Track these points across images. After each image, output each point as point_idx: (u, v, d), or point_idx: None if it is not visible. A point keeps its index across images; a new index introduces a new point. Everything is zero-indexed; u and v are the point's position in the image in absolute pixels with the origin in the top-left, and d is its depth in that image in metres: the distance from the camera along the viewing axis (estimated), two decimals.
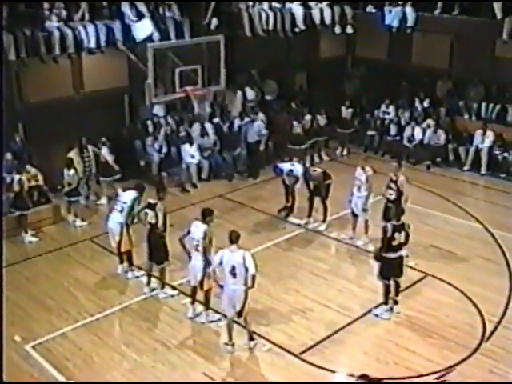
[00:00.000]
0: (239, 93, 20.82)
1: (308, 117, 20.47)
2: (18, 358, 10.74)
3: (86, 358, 11.12)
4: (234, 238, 10.70)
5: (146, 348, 11.35)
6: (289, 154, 19.21)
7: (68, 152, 16.60)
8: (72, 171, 15.92)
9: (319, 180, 15.67)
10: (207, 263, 11.43)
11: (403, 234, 11.82)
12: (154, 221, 12.42)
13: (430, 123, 20.45)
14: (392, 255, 11.82)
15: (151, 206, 12.51)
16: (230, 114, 20.33)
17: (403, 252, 12.03)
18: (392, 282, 12.08)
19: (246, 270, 10.58)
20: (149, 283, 13.03)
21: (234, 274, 10.62)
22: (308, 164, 18.76)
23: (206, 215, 11.55)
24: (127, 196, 13.42)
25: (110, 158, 17.23)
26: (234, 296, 10.78)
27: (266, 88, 21.87)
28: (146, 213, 12.61)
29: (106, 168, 17.32)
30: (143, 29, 17.41)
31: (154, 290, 12.90)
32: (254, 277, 10.65)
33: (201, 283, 11.72)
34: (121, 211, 13.25)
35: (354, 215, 15.03)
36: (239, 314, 10.93)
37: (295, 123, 19.92)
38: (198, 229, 11.53)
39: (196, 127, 19.34)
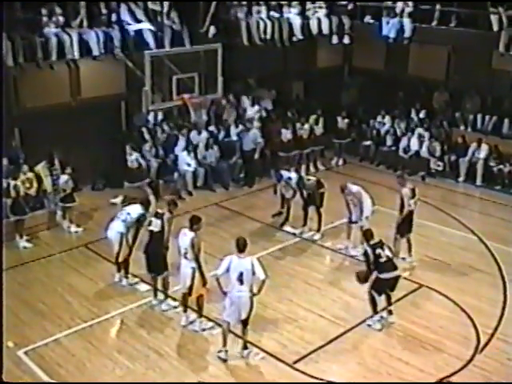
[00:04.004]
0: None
1: (307, 126, 20.55)
2: (10, 363, 10.66)
3: (79, 364, 11.09)
4: (241, 245, 10.70)
5: (139, 355, 11.32)
6: (279, 162, 19.25)
7: (36, 165, 16.23)
8: (66, 177, 15.91)
9: (313, 189, 15.70)
10: (197, 270, 11.47)
11: (386, 248, 11.87)
12: (157, 229, 12.31)
13: (421, 133, 20.50)
14: (388, 275, 11.80)
15: (158, 215, 12.44)
16: (226, 123, 20.33)
17: (399, 272, 12.08)
18: (383, 295, 12.11)
19: (253, 276, 10.60)
20: (156, 295, 12.92)
21: (241, 281, 10.61)
22: (303, 173, 18.71)
23: (194, 223, 11.55)
24: (133, 209, 13.33)
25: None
26: (239, 303, 10.76)
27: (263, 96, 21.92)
28: (150, 221, 12.55)
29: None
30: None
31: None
32: (263, 282, 10.64)
33: (189, 290, 11.71)
34: (124, 221, 13.18)
35: (352, 222, 15.03)
36: (245, 321, 10.95)
37: (284, 130, 20.02)
38: (185, 237, 11.52)
39: (199, 138, 19.40)
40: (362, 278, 12.10)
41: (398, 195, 14.38)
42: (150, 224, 12.50)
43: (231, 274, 10.67)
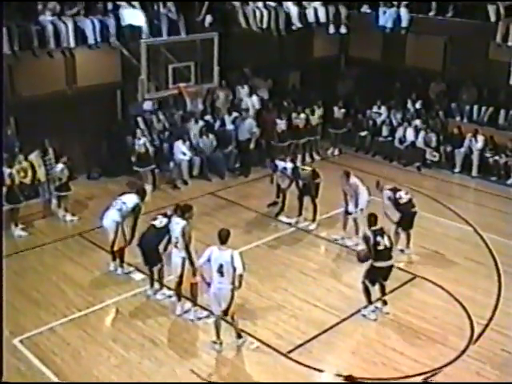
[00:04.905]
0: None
1: (303, 115, 20.50)
2: (5, 352, 10.63)
3: (74, 352, 11.12)
4: (223, 237, 10.65)
5: (134, 344, 11.34)
6: (275, 151, 19.23)
7: (29, 154, 16.20)
8: (61, 166, 15.87)
9: (308, 179, 15.68)
10: (187, 259, 11.49)
11: (386, 237, 11.86)
12: (160, 226, 12.19)
13: (417, 124, 20.51)
14: (382, 264, 11.82)
15: (166, 215, 12.35)
16: (221, 112, 20.28)
17: (393, 261, 12.09)
18: (377, 285, 12.13)
19: (234, 269, 10.53)
20: (152, 285, 12.88)
21: (221, 273, 10.57)
22: (299, 163, 18.67)
23: (185, 211, 11.52)
24: (128, 198, 13.31)
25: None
26: (219, 294, 10.74)
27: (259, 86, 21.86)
28: (155, 217, 12.50)
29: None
30: (133, 17, 17.32)
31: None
32: (241, 276, 10.60)
33: (180, 278, 11.75)
34: (119, 210, 13.15)
35: (348, 213, 15.01)
36: (225, 312, 10.90)
37: (279, 120, 19.99)
38: (177, 225, 11.53)
39: (195, 126, 19.33)
40: (362, 256, 12.08)
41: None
42: (154, 219, 12.42)
43: (212, 266, 10.65)
